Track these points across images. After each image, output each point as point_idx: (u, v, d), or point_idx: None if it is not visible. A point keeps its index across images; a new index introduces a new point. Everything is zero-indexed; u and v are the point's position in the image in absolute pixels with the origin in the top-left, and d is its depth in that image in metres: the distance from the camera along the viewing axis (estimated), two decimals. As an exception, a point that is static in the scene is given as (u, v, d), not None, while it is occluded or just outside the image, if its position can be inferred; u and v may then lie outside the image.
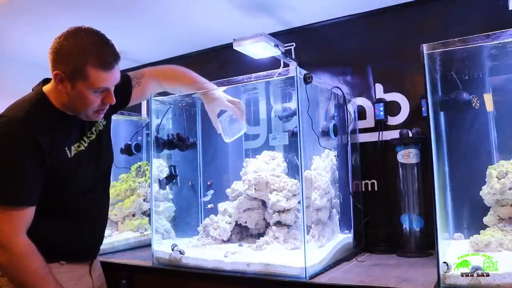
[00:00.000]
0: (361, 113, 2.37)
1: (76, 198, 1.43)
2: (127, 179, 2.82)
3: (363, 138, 2.35)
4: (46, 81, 1.41)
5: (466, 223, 1.90)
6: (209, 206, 2.46)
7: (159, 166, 2.47)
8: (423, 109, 2.11)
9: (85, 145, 1.44)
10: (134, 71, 1.73)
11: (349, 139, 2.22)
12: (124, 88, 1.61)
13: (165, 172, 2.40)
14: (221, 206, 2.26)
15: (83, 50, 1.27)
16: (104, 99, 1.36)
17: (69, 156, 1.38)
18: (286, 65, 2.44)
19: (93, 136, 1.48)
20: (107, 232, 2.47)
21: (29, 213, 1.29)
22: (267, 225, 2.10)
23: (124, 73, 1.61)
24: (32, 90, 1.41)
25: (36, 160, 1.28)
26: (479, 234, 1.74)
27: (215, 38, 2.73)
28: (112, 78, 1.33)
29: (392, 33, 2.31)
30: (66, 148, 1.37)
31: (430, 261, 1.85)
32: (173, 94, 2.16)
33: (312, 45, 2.56)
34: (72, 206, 1.43)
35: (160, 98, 2.23)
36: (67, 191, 1.40)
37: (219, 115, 1.83)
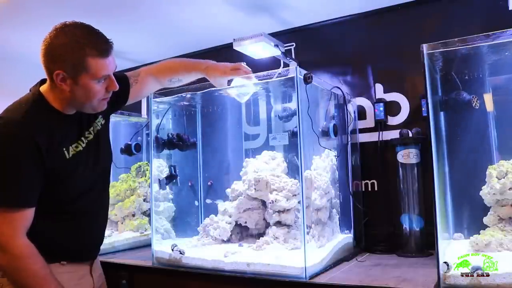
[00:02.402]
0: (361, 113, 2.37)
1: (75, 198, 1.43)
2: (127, 179, 2.82)
3: (363, 138, 2.35)
4: (43, 81, 1.40)
5: (466, 223, 1.90)
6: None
7: (159, 166, 2.47)
8: (423, 109, 2.11)
9: (83, 145, 1.44)
10: (131, 71, 1.73)
11: (349, 139, 2.22)
12: (123, 86, 1.60)
13: (165, 172, 2.40)
14: (221, 206, 2.25)
15: (78, 44, 1.27)
16: (108, 87, 1.37)
17: (68, 156, 1.37)
18: (286, 65, 2.44)
19: (91, 136, 1.48)
20: (107, 232, 2.47)
21: (29, 214, 1.29)
22: (267, 225, 2.10)
23: (121, 73, 1.62)
24: (30, 91, 1.41)
25: (35, 161, 1.28)
26: (479, 234, 1.74)
27: (215, 38, 2.73)
28: (111, 64, 1.34)
29: (392, 33, 2.31)
30: (64, 149, 1.37)
31: (430, 261, 1.85)
32: (175, 95, 2.16)
33: (312, 45, 2.56)
34: (72, 206, 1.43)
35: (160, 98, 2.23)
36: (66, 191, 1.40)
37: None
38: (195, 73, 1.76)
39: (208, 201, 2.50)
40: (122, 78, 1.61)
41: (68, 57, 1.27)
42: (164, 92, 2.09)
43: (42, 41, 1.30)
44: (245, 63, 1.74)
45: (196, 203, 2.52)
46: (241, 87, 1.77)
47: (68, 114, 1.40)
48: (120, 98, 1.61)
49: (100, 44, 1.31)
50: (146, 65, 2.02)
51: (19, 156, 1.26)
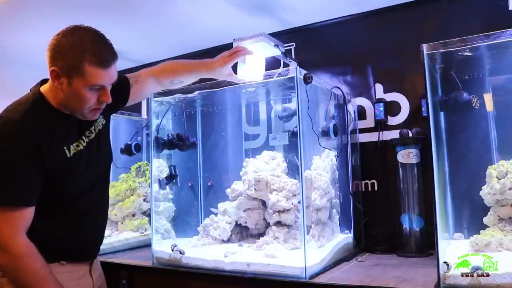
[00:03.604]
0: (361, 113, 2.37)
1: (75, 198, 1.43)
2: (127, 179, 2.82)
3: (363, 138, 2.35)
4: (44, 81, 1.41)
5: (466, 223, 1.90)
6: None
7: (159, 166, 2.47)
8: (423, 109, 2.11)
9: (84, 144, 1.44)
10: (131, 73, 1.73)
11: (349, 139, 2.22)
12: (123, 87, 1.61)
13: (165, 172, 2.40)
14: (221, 206, 2.26)
15: (80, 47, 1.27)
16: (100, 98, 1.36)
17: (68, 155, 1.37)
18: (286, 65, 2.44)
19: (92, 136, 1.48)
20: (107, 232, 2.46)
21: (28, 213, 1.29)
22: (267, 225, 2.10)
23: (121, 74, 1.62)
24: (30, 90, 1.41)
25: (35, 160, 1.28)
26: (479, 234, 1.74)
27: (215, 38, 2.73)
28: (109, 76, 1.33)
29: (392, 33, 2.31)
30: (65, 148, 1.37)
31: (430, 261, 1.85)
32: (175, 95, 2.15)
33: (312, 45, 2.56)
34: (72, 206, 1.43)
35: (160, 98, 2.23)
36: (67, 191, 1.40)
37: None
38: (196, 74, 1.75)
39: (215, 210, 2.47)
40: (122, 79, 1.61)
41: (67, 56, 1.27)
42: (164, 92, 2.09)
43: (53, 36, 1.31)
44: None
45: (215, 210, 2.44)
46: (249, 67, 1.74)
47: (68, 114, 1.40)
48: (121, 99, 1.62)
49: (102, 54, 1.30)
50: (146, 65, 2.02)
51: (19, 156, 1.26)
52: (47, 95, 1.37)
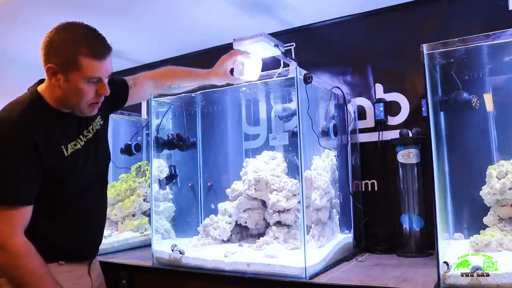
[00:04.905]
0: (361, 113, 2.37)
1: (73, 198, 1.43)
2: (127, 179, 2.82)
3: (363, 138, 2.35)
4: (41, 81, 1.41)
5: (466, 223, 1.90)
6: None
7: (159, 166, 2.47)
8: (423, 109, 2.11)
9: (82, 143, 1.44)
10: (130, 76, 1.74)
11: (349, 139, 2.22)
12: (121, 88, 1.63)
13: (165, 172, 2.40)
14: (221, 206, 2.26)
15: (74, 41, 1.28)
16: (98, 90, 1.36)
17: (66, 154, 1.38)
18: (286, 65, 2.44)
19: (90, 135, 1.48)
20: (107, 232, 2.47)
21: (26, 212, 1.29)
22: (267, 225, 2.10)
23: (119, 77, 1.64)
24: (28, 90, 1.42)
25: (32, 160, 1.28)
26: (479, 234, 1.74)
27: (215, 38, 2.73)
28: (105, 68, 1.34)
29: (392, 33, 2.31)
30: (63, 147, 1.37)
31: (430, 261, 1.85)
32: (175, 95, 2.16)
33: (312, 45, 2.56)
34: (70, 206, 1.43)
35: (160, 98, 2.23)
36: (64, 190, 1.40)
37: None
38: (196, 80, 1.80)
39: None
40: (121, 81, 1.65)
41: (62, 52, 1.28)
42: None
43: (46, 34, 1.31)
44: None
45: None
46: (247, 68, 1.77)
47: (66, 113, 1.40)
48: (119, 100, 1.64)
49: (97, 46, 1.31)
50: (146, 65, 2.03)
51: (17, 155, 1.26)
52: (44, 94, 1.37)
